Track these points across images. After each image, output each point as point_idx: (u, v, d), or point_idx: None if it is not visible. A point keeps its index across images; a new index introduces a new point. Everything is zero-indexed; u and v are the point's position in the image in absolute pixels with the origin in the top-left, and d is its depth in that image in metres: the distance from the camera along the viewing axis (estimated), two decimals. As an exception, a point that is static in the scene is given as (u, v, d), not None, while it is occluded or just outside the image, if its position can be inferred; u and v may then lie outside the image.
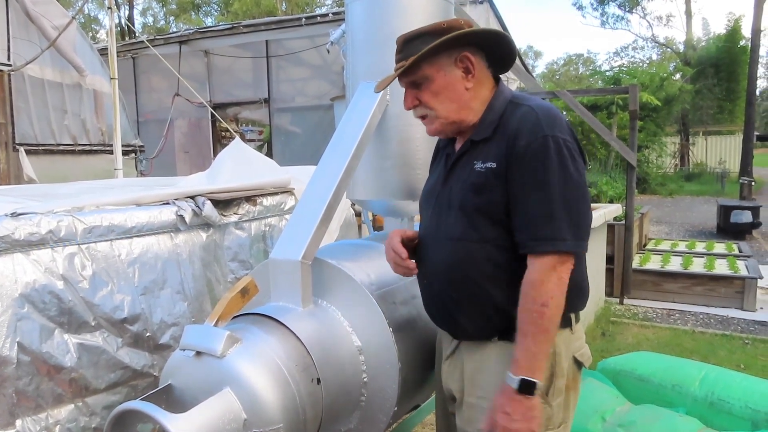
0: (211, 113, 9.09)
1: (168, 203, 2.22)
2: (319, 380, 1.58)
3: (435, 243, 1.57)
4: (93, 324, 1.85)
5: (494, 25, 11.23)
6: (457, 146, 1.61)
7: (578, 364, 1.53)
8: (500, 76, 1.62)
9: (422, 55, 1.46)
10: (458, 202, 1.51)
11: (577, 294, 1.47)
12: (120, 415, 1.37)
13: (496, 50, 1.55)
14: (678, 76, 21.87)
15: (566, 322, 1.50)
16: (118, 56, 6.46)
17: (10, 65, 6.07)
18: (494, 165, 1.44)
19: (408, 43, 1.52)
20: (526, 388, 1.35)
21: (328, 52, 4.99)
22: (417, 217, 2.51)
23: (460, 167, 1.55)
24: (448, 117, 1.53)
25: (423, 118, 1.58)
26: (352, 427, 1.79)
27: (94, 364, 1.84)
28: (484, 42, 1.52)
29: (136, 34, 16.74)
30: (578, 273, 1.46)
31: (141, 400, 1.37)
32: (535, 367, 1.36)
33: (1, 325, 1.63)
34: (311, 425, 1.56)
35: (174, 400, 1.47)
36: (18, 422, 1.65)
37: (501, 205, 1.44)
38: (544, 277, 1.36)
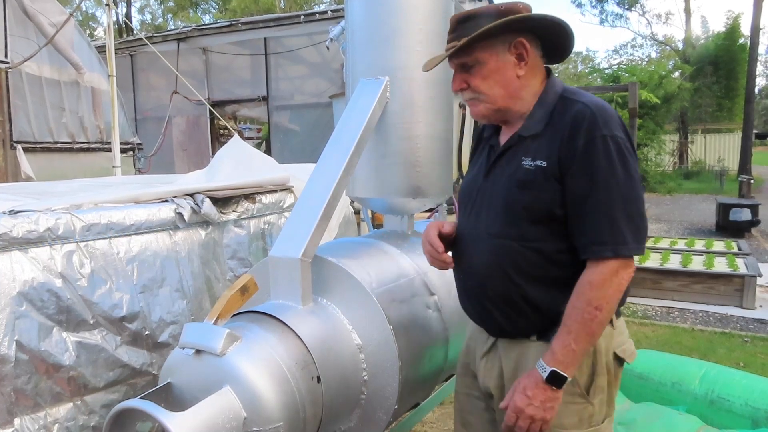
0: (210, 111, 9.08)
1: (167, 201, 2.21)
2: (319, 378, 1.58)
3: (473, 238, 1.53)
4: (91, 322, 1.84)
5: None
6: (502, 138, 1.54)
7: (619, 360, 1.49)
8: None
9: (476, 36, 1.39)
10: (501, 198, 1.46)
11: None
12: (119, 414, 1.36)
13: (554, 40, 1.47)
14: (677, 74, 21.83)
15: None
16: (116, 54, 6.44)
17: (7, 62, 6.04)
18: (545, 164, 1.39)
19: (462, 24, 1.45)
20: (555, 380, 1.34)
21: (328, 49, 4.98)
22: (417, 215, 2.50)
23: (506, 161, 1.49)
24: (495, 102, 1.47)
25: (469, 101, 1.52)
26: (352, 426, 1.79)
27: (93, 363, 1.83)
28: (542, 30, 1.45)
29: (134, 32, 16.70)
30: None
31: (140, 398, 1.37)
32: (571, 363, 1.34)
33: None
34: (311, 423, 1.55)
35: (173, 399, 1.46)
36: (16, 421, 1.64)
37: (546, 204, 1.39)
38: (605, 281, 1.33)
